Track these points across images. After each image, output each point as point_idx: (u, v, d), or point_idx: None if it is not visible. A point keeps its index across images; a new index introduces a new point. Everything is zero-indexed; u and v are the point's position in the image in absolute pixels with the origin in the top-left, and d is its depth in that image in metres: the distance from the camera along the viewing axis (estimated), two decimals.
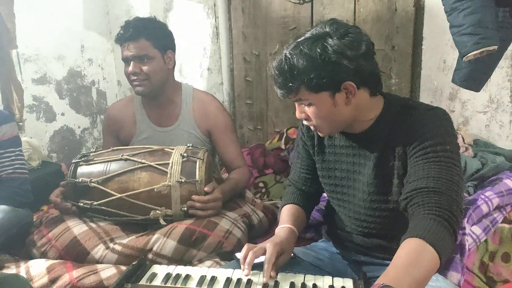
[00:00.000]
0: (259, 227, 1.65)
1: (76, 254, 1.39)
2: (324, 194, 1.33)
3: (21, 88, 2.25)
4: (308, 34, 1.04)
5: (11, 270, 1.36)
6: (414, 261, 0.84)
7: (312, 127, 1.13)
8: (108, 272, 1.30)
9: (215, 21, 2.80)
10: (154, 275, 1.08)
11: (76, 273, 1.29)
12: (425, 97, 2.37)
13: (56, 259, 1.40)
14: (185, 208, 1.46)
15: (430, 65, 2.33)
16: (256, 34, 2.71)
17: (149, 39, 1.62)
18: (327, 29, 1.01)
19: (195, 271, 1.09)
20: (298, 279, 1.04)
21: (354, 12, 2.43)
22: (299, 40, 1.04)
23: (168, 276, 1.06)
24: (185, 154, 1.50)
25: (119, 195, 1.45)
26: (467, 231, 1.46)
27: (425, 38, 2.31)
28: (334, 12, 2.45)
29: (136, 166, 1.48)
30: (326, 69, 0.99)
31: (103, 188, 1.46)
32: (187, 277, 1.06)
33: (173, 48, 1.72)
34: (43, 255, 1.42)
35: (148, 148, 1.56)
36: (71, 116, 2.88)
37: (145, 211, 1.46)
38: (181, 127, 1.74)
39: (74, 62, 2.87)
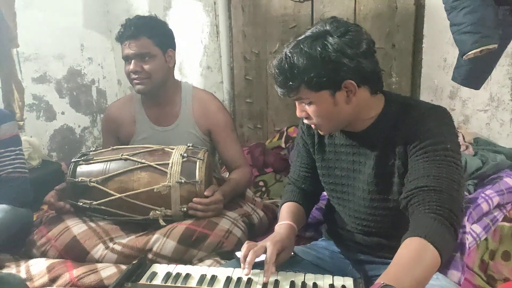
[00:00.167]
0: (260, 226, 1.65)
1: (75, 254, 1.39)
2: (324, 193, 1.33)
3: (22, 87, 2.25)
4: (308, 33, 1.03)
5: (11, 269, 1.36)
6: (415, 260, 0.84)
7: (312, 126, 1.13)
8: (108, 271, 1.30)
9: (215, 19, 2.79)
10: (154, 274, 1.07)
11: (76, 272, 1.30)
12: (425, 96, 2.37)
13: (56, 258, 1.40)
14: (185, 209, 1.46)
15: (431, 64, 2.33)
16: (256, 32, 2.71)
17: (150, 37, 1.61)
18: (328, 28, 1.01)
19: (195, 270, 1.09)
20: (298, 278, 1.04)
21: (355, 10, 2.43)
22: (299, 38, 1.03)
23: (168, 275, 1.06)
24: (185, 154, 1.49)
25: (119, 195, 1.44)
26: (467, 229, 1.46)
27: (425, 36, 2.30)
28: (334, 10, 2.45)
29: (136, 166, 1.48)
30: (326, 68, 0.99)
31: (102, 188, 1.46)
32: (187, 276, 1.06)
33: (173, 46, 1.71)
34: (43, 254, 1.42)
35: (148, 147, 1.56)
36: (71, 115, 2.88)
37: (144, 211, 1.46)
38: (180, 126, 1.73)
39: (74, 61, 2.87)
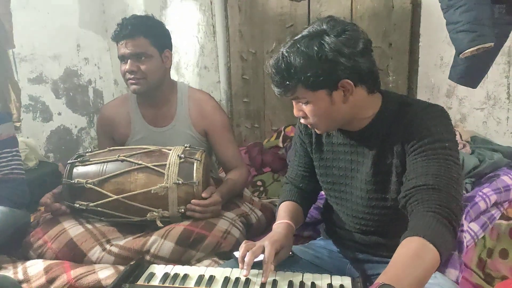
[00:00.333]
0: (258, 226, 1.65)
1: (72, 256, 1.38)
2: (322, 192, 1.33)
3: (18, 87, 2.24)
4: (305, 32, 1.03)
5: (8, 270, 1.36)
6: (414, 260, 0.83)
7: (309, 125, 1.13)
8: (106, 272, 1.30)
9: (212, 19, 2.79)
10: (152, 275, 1.07)
11: (74, 273, 1.29)
12: (422, 94, 2.38)
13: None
14: (183, 210, 1.45)
15: (427, 62, 2.33)
16: (252, 32, 2.71)
17: (147, 37, 1.59)
18: (324, 27, 1.01)
19: (193, 271, 1.08)
20: (297, 278, 1.04)
21: (351, 9, 2.43)
22: (296, 38, 1.03)
23: (166, 276, 1.06)
24: (182, 155, 1.48)
25: (116, 197, 1.44)
26: (465, 228, 1.46)
27: (422, 35, 2.31)
28: (331, 9, 2.45)
29: (132, 167, 1.47)
30: (323, 67, 0.99)
31: (99, 189, 1.45)
32: (185, 276, 1.06)
33: (170, 47, 1.70)
34: (40, 257, 1.42)
35: (145, 148, 1.55)
36: (68, 116, 2.87)
37: (142, 213, 1.45)
38: (177, 127, 1.72)
39: (70, 61, 2.86)
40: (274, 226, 1.18)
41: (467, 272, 1.44)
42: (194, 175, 1.46)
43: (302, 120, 1.12)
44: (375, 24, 2.37)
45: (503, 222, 1.59)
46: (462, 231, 1.42)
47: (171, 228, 1.41)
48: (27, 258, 1.45)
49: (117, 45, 1.62)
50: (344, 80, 1.01)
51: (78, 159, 1.52)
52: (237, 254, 1.08)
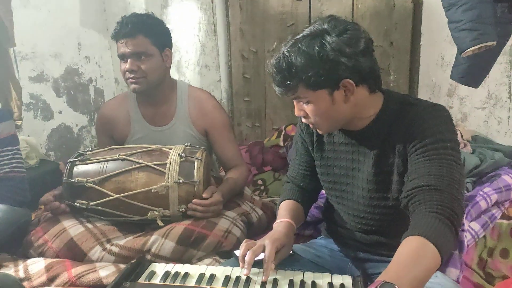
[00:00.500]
0: (258, 225, 1.64)
1: (73, 256, 1.38)
2: (323, 191, 1.33)
3: (19, 86, 2.24)
4: (306, 31, 1.03)
5: (9, 269, 1.36)
6: (415, 259, 0.83)
7: (310, 125, 1.13)
8: (107, 270, 1.30)
9: (213, 17, 2.79)
10: (153, 273, 1.07)
11: (75, 271, 1.29)
12: (423, 93, 2.38)
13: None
14: (183, 209, 1.45)
15: (429, 61, 2.33)
16: (254, 30, 2.70)
17: (147, 36, 1.57)
18: (325, 26, 1.01)
19: (194, 269, 1.08)
20: (297, 277, 1.04)
21: (352, 8, 2.43)
22: (297, 37, 1.03)
23: (167, 274, 1.06)
24: (183, 154, 1.48)
25: (116, 196, 1.43)
26: (466, 227, 1.46)
27: (423, 34, 2.30)
28: (332, 8, 2.45)
29: (133, 166, 1.46)
30: (324, 67, 0.98)
31: (99, 188, 1.45)
32: (186, 275, 1.06)
33: (170, 46, 1.69)
34: (40, 256, 1.41)
35: (145, 147, 1.54)
36: (69, 114, 2.87)
37: (142, 212, 1.45)
38: (176, 126, 1.70)
39: (71, 59, 2.86)
40: (275, 225, 1.18)
41: (468, 272, 1.44)
42: (195, 174, 1.45)
43: (303, 120, 1.12)
44: (376, 23, 2.37)
45: (504, 221, 1.59)
46: (463, 230, 1.42)
47: (172, 227, 1.40)
48: (28, 256, 1.45)
49: (116, 43, 1.60)
50: (345, 79, 1.00)
51: (79, 158, 1.52)
52: (237, 253, 1.08)
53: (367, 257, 1.22)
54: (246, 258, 1.03)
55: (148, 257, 1.35)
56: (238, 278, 1.04)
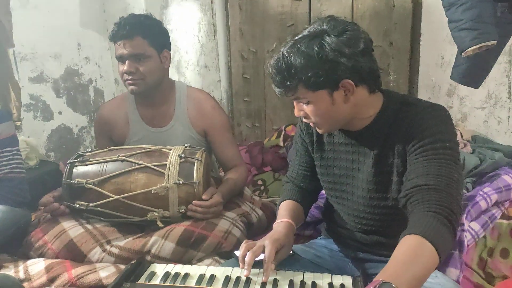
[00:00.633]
0: (258, 225, 1.64)
1: (72, 257, 1.38)
2: (323, 191, 1.33)
3: (18, 87, 2.24)
4: (305, 32, 1.03)
5: (9, 269, 1.36)
6: (413, 258, 0.83)
7: (311, 124, 1.13)
8: (107, 271, 1.30)
9: (212, 18, 2.79)
10: (153, 274, 1.07)
11: (75, 272, 1.29)
12: (423, 93, 2.38)
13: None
14: (183, 210, 1.45)
15: (428, 61, 2.33)
16: (253, 31, 2.70)
17: (145, 37, 1.56)
18: (325, 27, 1.01)
19: (194, 270, 1.08)
20: (297, 277, 1.04)
21: (352, 8, 2.43)
22: (297, 38, 1.03)
23: (167, 275, 1.06)
24: (182, 155, 1.47)
25: (116, 197, 1.43)
26: (466, 227, 1.46)
27: (423, 34, 2.30)
28: (332, 8, 2.45)
29: (132, 167, 1.46)
30: (323, 68, 0.98)
31: (99, 189, 1.45)
32: (186, 275, 1.06)
33: (169, 47, 1.67)
34: (40, 257, 1.41)
35: (145, 148, 1.54)
36: (69, 115, 2.87)
37: (142, 213, 1.45)
38: (175, 127, 1.70)
39: (71, 60, 2.86)
40: (275, 225, 1.18)
41: (468, 272, 1.44)
42: (195, 175, 1.45)
43: (304, 119, 1.12)
44: (376, 23, 2.37)
45: (504, 221, 1.59)
46: (463, 230, 1.42)
47: (171, 228, 1.40)
48: (28, 257, 1.45)
49: (114, 44, 1.59)
50: (345, 80, 1.01)
51: (78, 159, 1.51)
52: (237, 253, 1.08)
53: (367, 257, 1.22)
54: (246, 258, 1.03)
55: (148, 258, 1.34)
56: (238, 278, 1.04)
